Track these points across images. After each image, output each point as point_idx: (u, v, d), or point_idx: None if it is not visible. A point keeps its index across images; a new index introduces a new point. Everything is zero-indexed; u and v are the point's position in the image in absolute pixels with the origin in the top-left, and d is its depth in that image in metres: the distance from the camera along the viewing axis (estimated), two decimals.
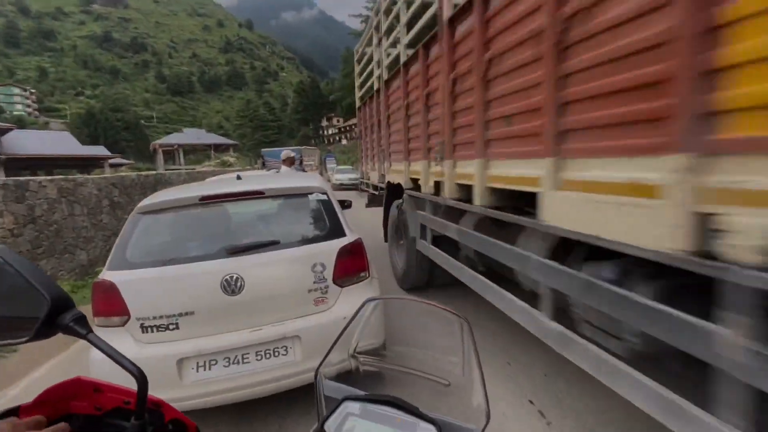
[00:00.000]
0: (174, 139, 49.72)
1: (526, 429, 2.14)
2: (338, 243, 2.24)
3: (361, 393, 0.75)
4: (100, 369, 1.56)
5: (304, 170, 17.06)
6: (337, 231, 2.31)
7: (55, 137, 33.49)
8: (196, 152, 55.68)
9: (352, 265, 2.27)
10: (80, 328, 0.54)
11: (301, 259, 2.14)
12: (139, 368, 0.54)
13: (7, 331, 0.55)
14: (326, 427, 0.67)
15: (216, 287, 1.97)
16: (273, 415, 2.29)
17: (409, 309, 1.04)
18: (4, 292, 0.54)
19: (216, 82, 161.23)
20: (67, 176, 8.40)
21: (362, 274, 2.32)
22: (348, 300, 2.21)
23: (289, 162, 6.01)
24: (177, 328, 1.94)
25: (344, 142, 63.50)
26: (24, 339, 0.53)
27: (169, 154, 48.42)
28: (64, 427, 0.53)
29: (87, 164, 30.76)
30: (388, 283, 4.48)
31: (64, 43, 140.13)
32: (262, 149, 18.81)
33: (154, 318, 1.92)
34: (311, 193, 2.41)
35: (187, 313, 1.95)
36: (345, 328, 0.84)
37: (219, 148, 51.74)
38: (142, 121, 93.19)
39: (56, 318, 0.53)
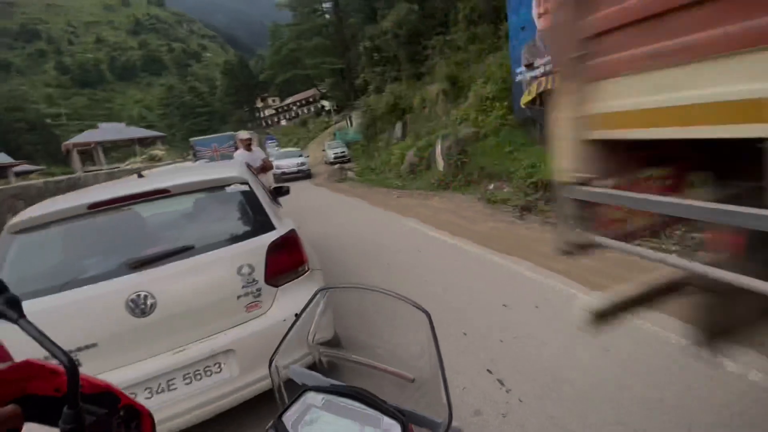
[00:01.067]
0: (89, 136, 44.34)
1: (487, 399, 2.11)
2: (267, 238, 1.99)
3: (325, 382, 0.72)
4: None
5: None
6: (264, 225, 2.05)
7: None
8: (118, 149, 50.41)
9: (286, 260, 2.04)
10: (11, 312, 0.51)
11: (223, 262, 1.86)
12: (68, 356, 0.50)
13: None
14: (284, 419, 0.64)
15: (120, 310, 1.66)
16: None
17: (371, 298, 0.98)
18: None
19: (130, 68, 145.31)
20: None
21: (300, 268, 2.10)
22: (287, 300, 1.99)
23: (246, 144, 5.29)
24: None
25: (283, 122, 60.74)
26: None
27: (87, 153, 43.38)
28: (13, 409, 0.50)
29: None
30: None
31: None
32: (191, 138, 17.27)
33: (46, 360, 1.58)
34: (229, 185, 2.10)
35: (87, 347, 1.63)
36: (296, 320, 0.81)
37: (145, 142, 47.08)
38: (49, 120, 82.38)
39: None
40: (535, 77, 7.93)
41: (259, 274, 1.91)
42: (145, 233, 2.03)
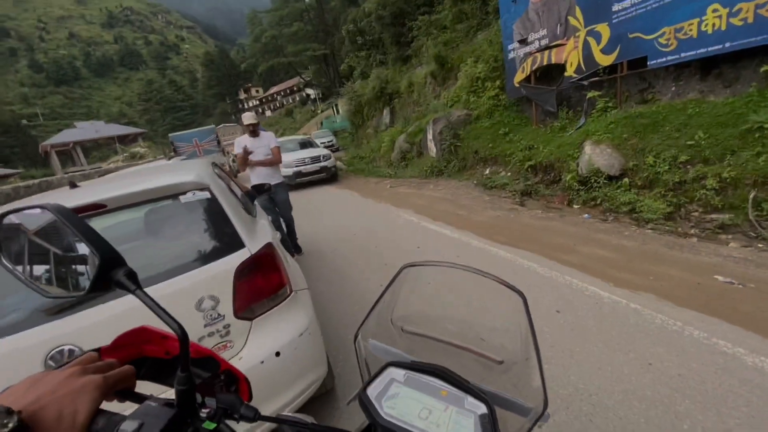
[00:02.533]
0: (67, 136, 42.97)
1: None
2: (234, 260, 1.56)
3: (407, 358, 0.71)
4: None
5: (223, 151, 15.38)
6: (231, 242, 1.62)
7: None
8: (100, 148, 48.92)
9: (261, 284, 1.62)
10: (130, 284, 0.55)
11: (176, 297, 1.44)
12: (179, 324, 0.53)
13: (66, 285, 0.59)
14: (368, 392, 0.65)
15: (38, 369, 1.23)
16: None
17: (454, 275, 0.81)
18: (62, 248, 0.58)
19: (106, 64, 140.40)
20: None
21: (280, 292, 1.69)
22: (265, 334, 1.58)
23: (250, 128, 4.42)
24: None
25: (268, 113, 59.28)
26: (81, 294, 0.57)
27: (66, 154, 41.98)
28: (129, 369, 0.55)
29: None
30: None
31: None
32: (170, 134, 16.48)
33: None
34: (183, 193, 1.66)
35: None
36: (382, 295, 0.81)
37: (125, 140, 45.83)
38: (24, 121, 79.57)
39: (109, 273, 0.53)
40: (530, 53, 7.47)
41: (226, 306, 1.50)
42: None
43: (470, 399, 0.63)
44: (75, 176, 12.63)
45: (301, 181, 10.32)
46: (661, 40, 4.87)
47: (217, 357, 0.70)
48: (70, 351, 1.28)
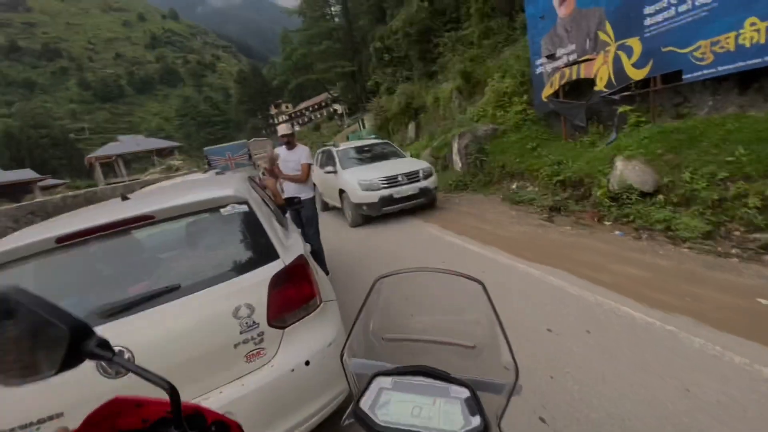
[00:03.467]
0: (110, 149, 45.74)
1: None
2: (269, 270, 1.65)
3: (390, 366, 0.75)
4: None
5: (254, 165, 15.91)
6: (266, 253, 1.71)
7: None
8: (139, 160, 51.61)
9: (293, 295, 1.69)
10: (105, 353, 0.55)
11: (215, 304, 1.53)
12: (168, 381, 0.53)
13: (32, 368, 0.56)
14: (362, 404, 0.67)
15: (90, 370, 1.34)
16: None
17: (422, 278, 0.93)
18: (24, 332, 0.55)
19: (148, 82, 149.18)
20: None
21: (310, 303, 1.75)
22: (295, 343, 1.65)
23: (285, 140, 4.30)
24: None
25: (297, 128, 61.02)
26: (51, 372, 0.55)
27: (109, 166, 44.59)
28: None
29: (14, 191, 27.60)
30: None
31: None
32: (205, 148, 17.23)
33: None
34: (224, 206, 1.77)
35: (51, 417, 1.32)
36: (360, 310, 0.85)
37: (163, 153, 48.21)
38: (72, 135, 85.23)
39: (80, 346, 0.54)
40: (558, 68, 7.42)
41: (261, 315, 1.58)
42: (122, 271, 1.70)
43: (454, 387, 0.68)
44: (117, 187, 13.40)
45: (391, 209, 6.67)
46: (697, 54, 4.74)
47: (204, 409, 0.69)
48: (119, 352, 1.37)
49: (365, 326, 0.88)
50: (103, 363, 1.37)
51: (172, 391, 0.54)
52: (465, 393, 0.66)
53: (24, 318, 0.54)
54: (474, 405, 0.65)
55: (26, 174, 32.11)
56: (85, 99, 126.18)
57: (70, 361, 0.54)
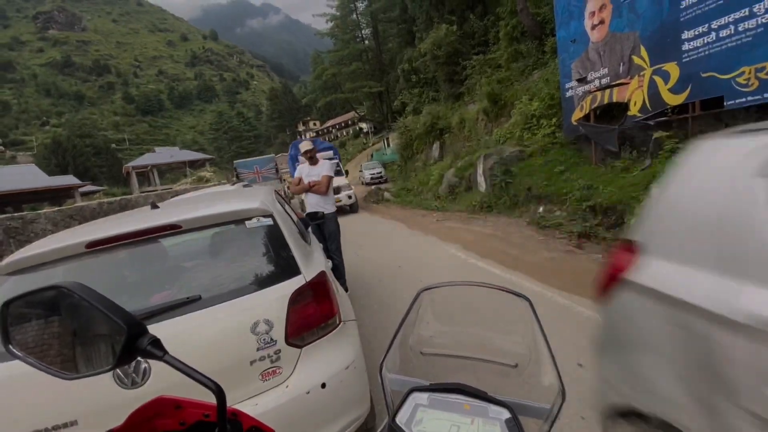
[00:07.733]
0: (146, 159, 48.04)
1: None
2: (290, 286, 1.61)
3: (426, 383, 0.74)
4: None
5: (280, 179, 16.27)
6: (288, 268, 1.68)
7: (19, 171, 31.79)
8: (172, 171, 53.91)
9: (313, 312, 1.65)
10: (157, 351, 0.55)
11: (234, 318, 1.50)
12: (216, 383, 0.53)
13: (90, 362, 0.58)
14: (397, 420, 0.66)
15: (107, 380, 1.33)
16: None
17: (465, 292, 0.88)
18: (83, 325, 0.58)
19: (186, 97, 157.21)
20: (13, 214, 7.63)
21: (330, 321, 1.70)
22: (312, 364, 1.59)
23: (309, 156, 4.33)
24: None
25: None
26: (108, 368, 0.57)
27: (144, 175, 46.75)
28: None
29: (57, 195, 29.20)
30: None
31: (24, 73, 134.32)
32: (234, 161, 17.80)
33: None
34: (249, 219, 1.76)
35: (66, 425, 1.31)
36: (402, 322, 0.82)
37: (195, 164, 50.19)
38: (113, 145, 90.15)
39: (134, 343, 0.53)
40: (589, 91, 7.29)
41: (279, 332, 1.54)
42: (146, 279, 1.72)
43: (493, 407, 0.66)
44: (150, 195, 13.96)
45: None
46: (740, 80, 4.54)
47: (242, 414, 0.69)
48: (136, 362, 1.36)
49: (404, 338, 0.85)
50: (148, 361, 1.41)
51: (219, 393, 0.54)
52: (505, 414, 0.64)
53: (85, 313, 0.56)
54: (515, 428, 0.62)
55: (69, 180, 33.94)
56: (128, 112, 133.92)
57: (125, 356, 0.55)
